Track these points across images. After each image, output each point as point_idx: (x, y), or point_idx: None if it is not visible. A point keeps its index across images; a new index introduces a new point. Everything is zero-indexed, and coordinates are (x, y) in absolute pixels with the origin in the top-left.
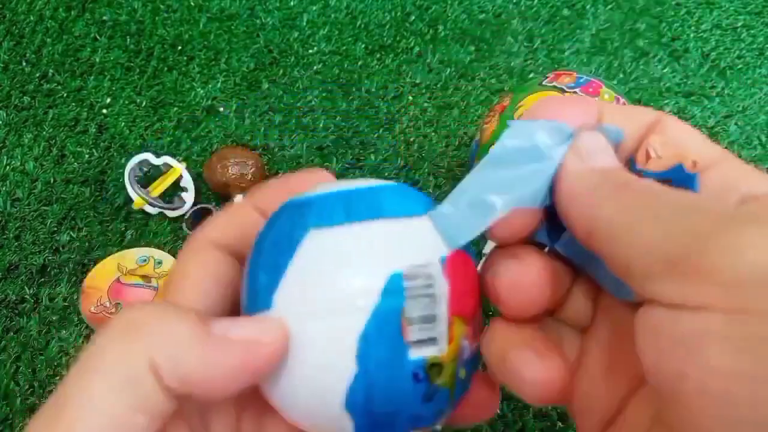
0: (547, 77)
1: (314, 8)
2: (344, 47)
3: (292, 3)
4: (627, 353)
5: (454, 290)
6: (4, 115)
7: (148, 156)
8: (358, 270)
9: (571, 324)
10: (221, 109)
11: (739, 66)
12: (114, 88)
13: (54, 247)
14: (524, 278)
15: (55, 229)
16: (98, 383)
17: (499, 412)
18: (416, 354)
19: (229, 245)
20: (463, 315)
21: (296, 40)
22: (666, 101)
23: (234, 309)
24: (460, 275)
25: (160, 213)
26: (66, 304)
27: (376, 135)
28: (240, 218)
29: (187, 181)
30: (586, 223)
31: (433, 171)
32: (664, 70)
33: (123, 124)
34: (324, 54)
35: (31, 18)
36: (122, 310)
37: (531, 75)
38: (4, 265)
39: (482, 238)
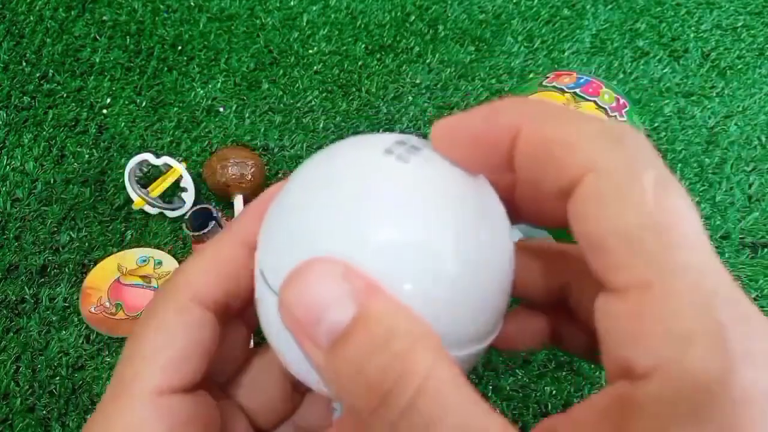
0: (547, 77)
1: (314, 8)
2: (344, 47)
3: (292, 3)
4: None
5: None
6: (4, 115)
7: (148, 156)
8: None
9: None
10: (221, 109)
11: (739, 66)
12: (114, 88)
13: (54, 247)
14: None
15: (55, 229)
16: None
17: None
18: None
19: (215, 302)
20: None
21: (296, 40)
22: (666, 101)
23: (204, 381)
24: None
25: (160, 213)
26: (66, 304)
27: None
28: (228, 264)
29: (187, 182)
30: None
31: None
32: (664, 70)
33: (123, 124)
34: (324, 54)
35: (31, 18)
36: None
37: (531, 75)
38: (4, 265)
39: None
